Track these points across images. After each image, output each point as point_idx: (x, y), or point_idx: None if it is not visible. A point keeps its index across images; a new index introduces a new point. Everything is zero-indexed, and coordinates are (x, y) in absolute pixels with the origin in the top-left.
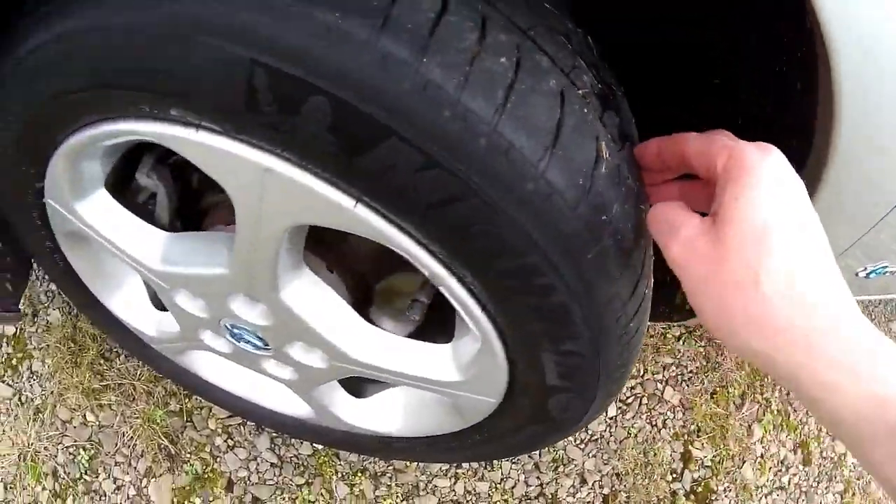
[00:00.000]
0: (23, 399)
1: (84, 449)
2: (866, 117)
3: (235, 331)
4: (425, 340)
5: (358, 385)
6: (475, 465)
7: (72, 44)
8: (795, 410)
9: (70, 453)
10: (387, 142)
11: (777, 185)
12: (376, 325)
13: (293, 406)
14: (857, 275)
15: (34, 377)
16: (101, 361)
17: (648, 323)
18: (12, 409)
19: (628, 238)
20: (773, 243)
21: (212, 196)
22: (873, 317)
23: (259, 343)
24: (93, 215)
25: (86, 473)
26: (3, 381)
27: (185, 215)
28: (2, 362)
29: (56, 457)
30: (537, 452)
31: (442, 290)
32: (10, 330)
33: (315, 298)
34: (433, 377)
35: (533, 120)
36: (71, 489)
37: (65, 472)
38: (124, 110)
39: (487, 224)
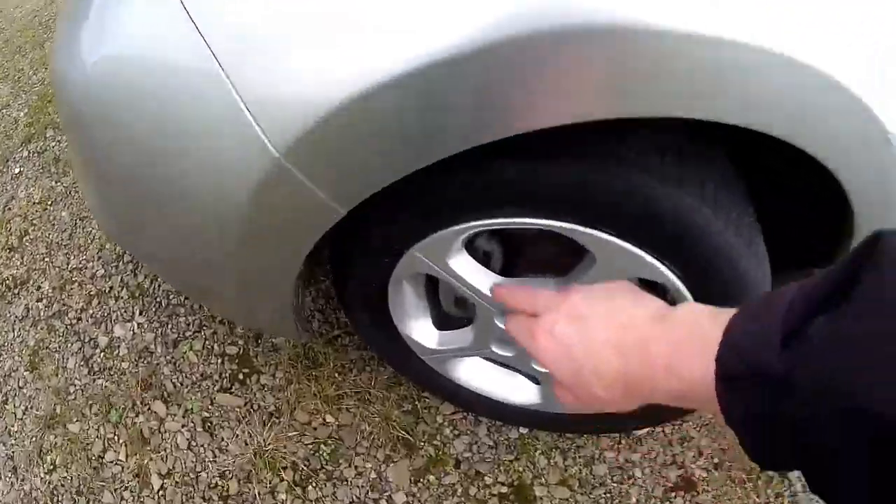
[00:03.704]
0: (254, 407)
1: (325, 444)
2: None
3: None
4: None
5: None
6: (629, 441)
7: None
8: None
9: (310, 449)
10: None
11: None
12: None
13: (524, 395)
14: None
15: (264, 389)
16: (336, 375)
17: None
18: (244, 416)
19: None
20: (580, 339)
21: (527, 255)
22: None
23: None
24: (457, 266)
25: (327, 464)
26: (232, 393)
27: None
28: (228, 377)
29: (295, 453)
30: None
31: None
32: (231, 350)
33: None
34: None
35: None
36: (312, 478)
37: (305, 465)
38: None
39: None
